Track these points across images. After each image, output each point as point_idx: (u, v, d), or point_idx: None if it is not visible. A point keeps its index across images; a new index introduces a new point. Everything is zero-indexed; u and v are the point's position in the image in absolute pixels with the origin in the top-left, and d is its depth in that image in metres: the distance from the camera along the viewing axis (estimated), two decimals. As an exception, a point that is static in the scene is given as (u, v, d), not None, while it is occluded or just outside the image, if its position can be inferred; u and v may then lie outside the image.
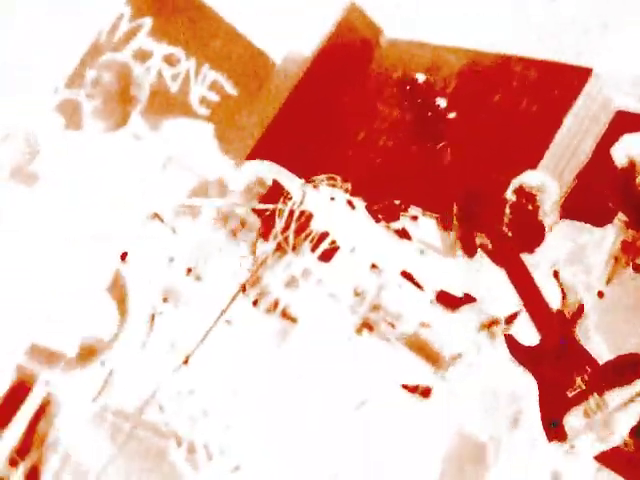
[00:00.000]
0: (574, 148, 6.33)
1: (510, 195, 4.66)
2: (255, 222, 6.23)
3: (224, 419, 5.33)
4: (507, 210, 4.63)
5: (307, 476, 4.62)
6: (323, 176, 4.83)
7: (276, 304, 4.92)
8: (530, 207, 4.55)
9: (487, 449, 3.30)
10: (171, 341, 5.50)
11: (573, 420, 3.11)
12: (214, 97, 8.00)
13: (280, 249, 4.75)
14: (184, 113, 7.79)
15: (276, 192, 5.84)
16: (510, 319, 4.29)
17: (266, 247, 4.93)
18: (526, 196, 4.54)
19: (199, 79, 7.87)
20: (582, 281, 3.36)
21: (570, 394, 3.13)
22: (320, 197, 4.66)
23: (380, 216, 4.55)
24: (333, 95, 8.31)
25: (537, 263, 3.38)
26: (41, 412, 4.25)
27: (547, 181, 4.65)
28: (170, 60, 7.65)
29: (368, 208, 4.53)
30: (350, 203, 4.58)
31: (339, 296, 4.51)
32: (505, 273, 3.20)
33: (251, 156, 7.85)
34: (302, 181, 4.79)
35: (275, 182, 6.12)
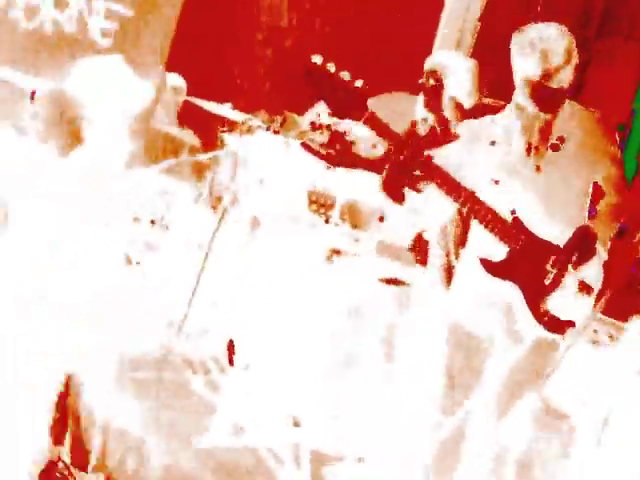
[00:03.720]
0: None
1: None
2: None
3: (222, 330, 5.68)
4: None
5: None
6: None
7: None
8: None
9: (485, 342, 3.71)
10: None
11: (556, 302, 3.53)
12: (114, 25, 8.00)
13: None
14: (89, 51, 7.81)
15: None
16: None
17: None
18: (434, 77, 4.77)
19: (93, 13, 7.87)
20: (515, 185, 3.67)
21: (547, 282, 3.53)
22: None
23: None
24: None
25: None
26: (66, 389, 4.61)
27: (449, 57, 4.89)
28: (60, 4, 7.64)
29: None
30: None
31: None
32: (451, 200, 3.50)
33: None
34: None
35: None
